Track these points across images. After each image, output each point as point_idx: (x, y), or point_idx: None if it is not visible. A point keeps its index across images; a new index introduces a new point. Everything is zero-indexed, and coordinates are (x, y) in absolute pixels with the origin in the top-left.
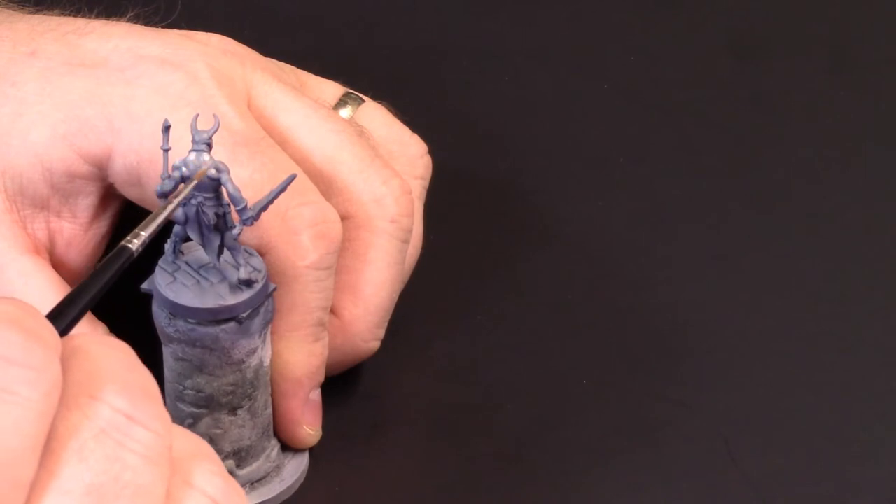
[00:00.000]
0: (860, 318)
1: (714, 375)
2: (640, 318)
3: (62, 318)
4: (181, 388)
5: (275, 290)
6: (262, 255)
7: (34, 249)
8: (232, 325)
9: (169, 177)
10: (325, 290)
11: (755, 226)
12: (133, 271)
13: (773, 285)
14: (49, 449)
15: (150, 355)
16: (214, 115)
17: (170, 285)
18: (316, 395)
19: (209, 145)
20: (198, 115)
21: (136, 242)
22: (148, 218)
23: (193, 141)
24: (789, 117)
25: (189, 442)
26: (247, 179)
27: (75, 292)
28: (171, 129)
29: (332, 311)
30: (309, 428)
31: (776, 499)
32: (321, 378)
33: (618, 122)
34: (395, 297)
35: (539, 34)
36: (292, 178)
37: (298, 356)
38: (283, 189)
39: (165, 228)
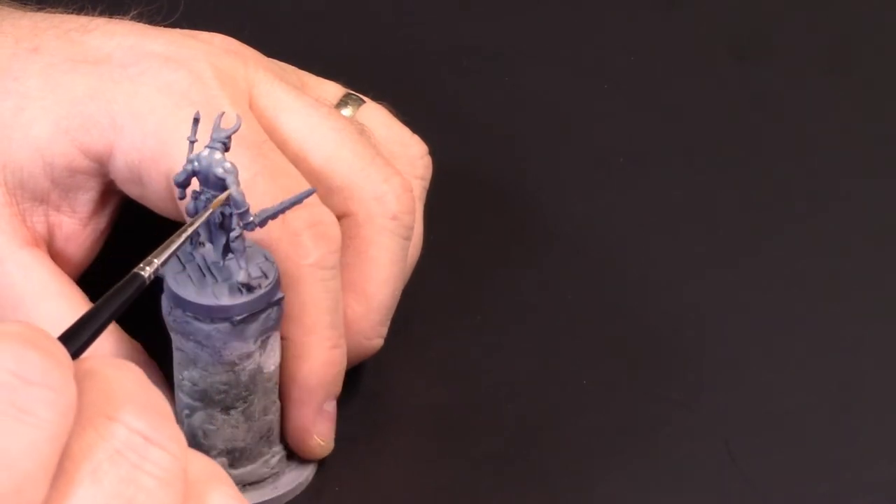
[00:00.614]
0: (860, 317)
1: (714, 375)
2: (641, 318)
3: (73, 341)
4: (180, 377)
5: (281, 299)
6: None
7: (33, 242)
8: (225, 325)
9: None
10: (333, 290)
11: (755, 226)
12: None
13: (774, 285)
14: (63, 469)
15: (164, 342)
16: (237, 116)
17: (177, 275)
18: (331, 406)
19: (226, 145)
20: (223, 113)
21: (148, 270)
22: (162, 245)
23: (211, 138)
24: (789, 117)
25: (205, 465)
26: (249, 181)
27: (86, 317)
28: (174, 129)
29: None
30: (320, 439)
31: (776, 499)
32: (338, 389)
33: (618, 122)
34: (398, 294)
35: (539, 34)
36: (310, 192)
37: (313, 364)
38: (297, 201)
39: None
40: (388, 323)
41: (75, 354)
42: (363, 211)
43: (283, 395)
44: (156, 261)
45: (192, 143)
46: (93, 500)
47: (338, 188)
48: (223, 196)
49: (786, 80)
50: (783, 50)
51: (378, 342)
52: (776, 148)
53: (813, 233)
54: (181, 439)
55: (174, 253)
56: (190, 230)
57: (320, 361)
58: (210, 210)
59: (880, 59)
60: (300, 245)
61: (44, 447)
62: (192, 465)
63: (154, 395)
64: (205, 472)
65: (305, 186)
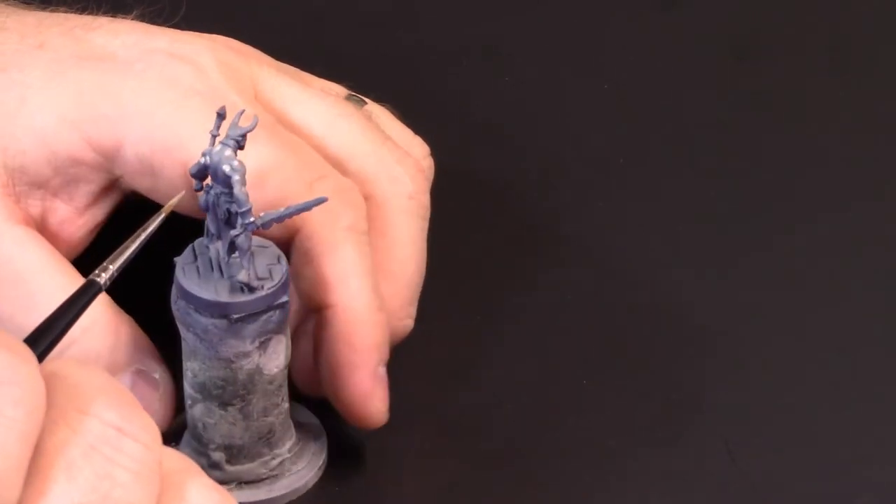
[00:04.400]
0: (860, 318)
1: (714, 375)
2: (641, 318)
3: (35, 346)
4: (185, 367)
5: (285, 303)
6: (298, 229)
7: (25, 221)
8: (222, 322)
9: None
10: (368, 255)
11: (755, 226)
12: (181, 241)
13: (774, 285)
14: (37, 467)
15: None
16: (255, 116)
17: (187, 265)
18: (383, 370)
19: (239, 143)
20: (243, 111)
21: (104, 276)
22: (117, 251)
23: (227, 134)
24: (789, 117)
25: (179, 460)
26: (267, 157)
27: (45, 324)
28: (184, 119)
29: None
30: (380, 403)
31: (776, 499)
32: (387, 354)
33: (618, 122)
34: (423, 273)
35: (539, 34)
36: (321, 200)
37: (366, 326)
38: (306, 208)
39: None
40: (416, 303)
41: (40, 358)
42: (380, 193)
43: (335, 366)
44: (111, 267)
45: (213, 136)
46: (69, 497)
47: (353, 173)
48: (174, 201)
49: (786, 80)
50: (783, 50)
51: (409, 322)
52: (776, 148)
53: (813, 232)
54: (154, 429)
55: (129, 258)
56: (144, 235)
57: (372, 323)
58: (162, 215)
59: (880, 59)
60: (332, 210)
61: (13, 446)
62: (167, 460)
63: (122, 388)
64: (180, 464)
65: (322, 162)
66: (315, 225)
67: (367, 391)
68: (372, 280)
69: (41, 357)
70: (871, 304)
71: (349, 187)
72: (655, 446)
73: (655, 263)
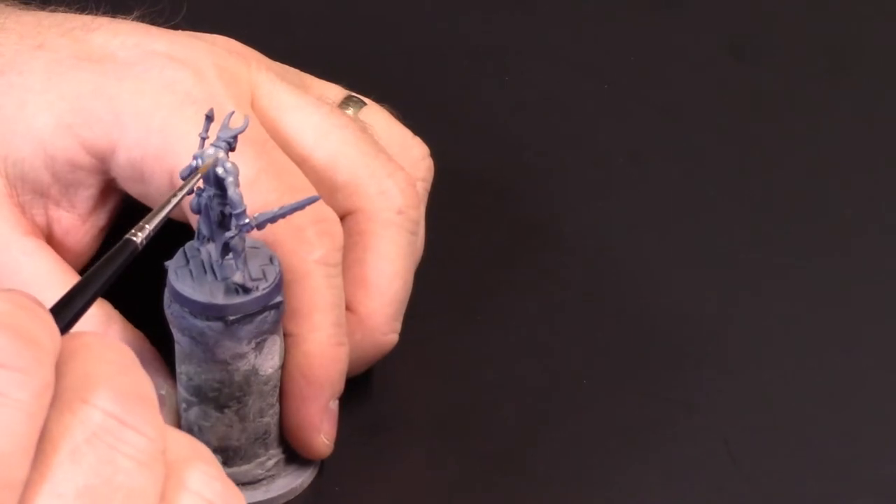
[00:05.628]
0: (860, 318)
1: (714, 375)
2: (640, 318)
3: (66, 310)
4: (179, 371)
5: (280, 303)
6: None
7: (33, 233)
8: (218, 324)
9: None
10: (337, 287)
11: (755, 225)
12: (169, 246)
13: (773, 285)
14: (42, 451)
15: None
16: (245, 117)
17: (179, 269)
18: (335, 405)
19: (230, 145)
20: (232, 112)
21: (140, 235)
22: (153, 211)
23: (218, 136)
24: (789, 118)
25: (186, 445)
26: (252, 178)
27: (80, 285)
28: (178, 126)
29: (347, 307)
30: (325, 437)
31: (776, 499)
32: (341, 388)
33: (618, 122)
34: (409, 288)
35: (539, 34)
36: (313, 199)
37: (321, 360)
38: (299, 207)
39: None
40: (401, 318)
41: (70, 323)
42: (368, 206)
43: (287, 393)
44: (147, 226)
45: (203, 139)
46: (73, 479)
47: (342, 185)
48: (209, 162)
49: (786, 80)
50: (783, 50)
51: (393, 337)
52: (776, 148)
53: (812, 232)
54: (158, 422)
55: (165, 217)
56: (181, 195)
57: (327, 358)
58: (199, 175)
59: (880, 59)
60: (305, 241)
61: (19, 427)
62: (173, 444)
63: (135, 378)
64: (185, 450)
65: (308, 185)
66: (287, 254)
67: (315, 424)
68: (336, 314)
69: (74, 320)
70: (871, 304)
71: (328, 217)
72: (655, 446)
73: (655, 263)
